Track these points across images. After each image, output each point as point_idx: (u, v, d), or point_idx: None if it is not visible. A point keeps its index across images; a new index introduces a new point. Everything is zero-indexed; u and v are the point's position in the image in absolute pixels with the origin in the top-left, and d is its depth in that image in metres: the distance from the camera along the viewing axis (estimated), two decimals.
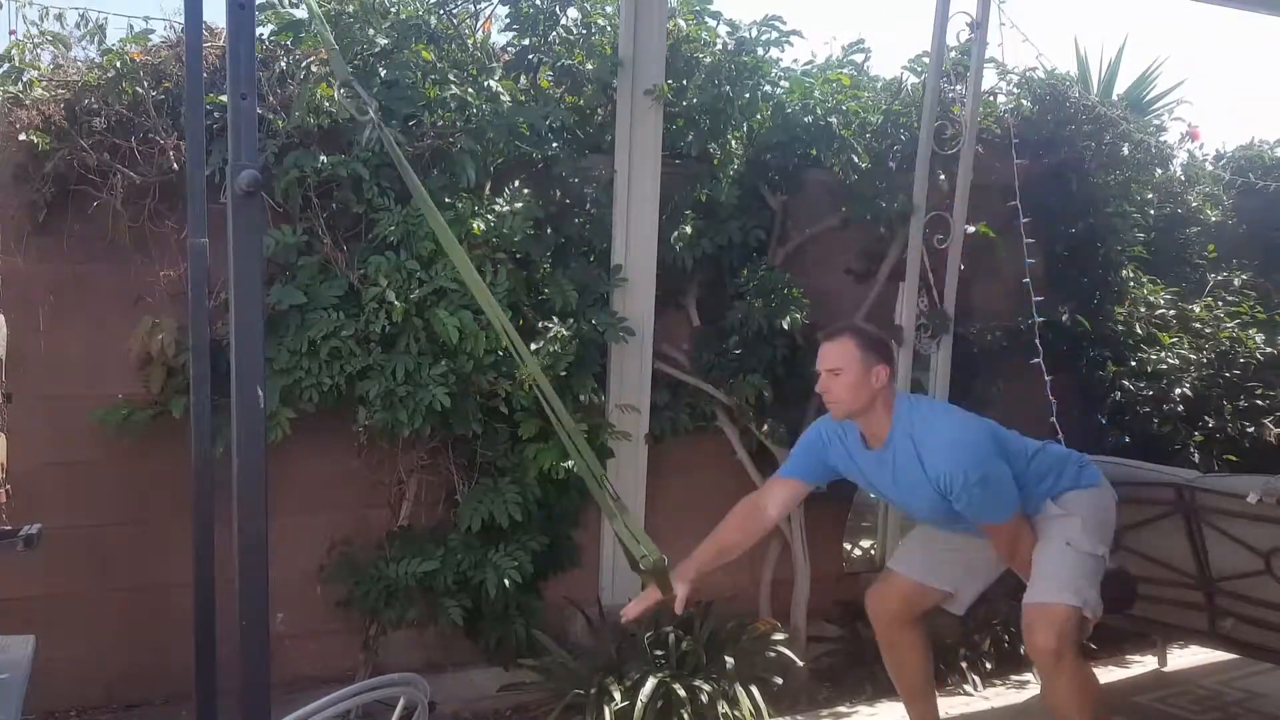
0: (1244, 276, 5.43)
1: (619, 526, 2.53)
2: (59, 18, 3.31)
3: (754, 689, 3.37)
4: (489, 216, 3.40)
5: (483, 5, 4.06)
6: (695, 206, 3.98)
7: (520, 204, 3.49)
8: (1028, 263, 4.38)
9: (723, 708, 3.25)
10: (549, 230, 3.64)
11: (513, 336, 2.46)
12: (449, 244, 2.37)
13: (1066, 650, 2.68)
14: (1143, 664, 4.18)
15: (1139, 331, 4.83)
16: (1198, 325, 5.02)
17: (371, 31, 3.43)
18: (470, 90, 3.56)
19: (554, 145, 3.72)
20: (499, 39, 4.06)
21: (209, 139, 2.90)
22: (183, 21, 2.66)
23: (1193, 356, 4.82)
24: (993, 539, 2.84)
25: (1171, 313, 5.00)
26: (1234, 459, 4.71)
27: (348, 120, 3.27)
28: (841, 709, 3.70)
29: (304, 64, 3.37)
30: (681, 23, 3.99)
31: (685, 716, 3.20)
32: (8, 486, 2.51)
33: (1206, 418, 4.77)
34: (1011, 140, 4.51)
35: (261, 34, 3.44)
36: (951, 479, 2.63)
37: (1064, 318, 4.67)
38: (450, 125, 3.45)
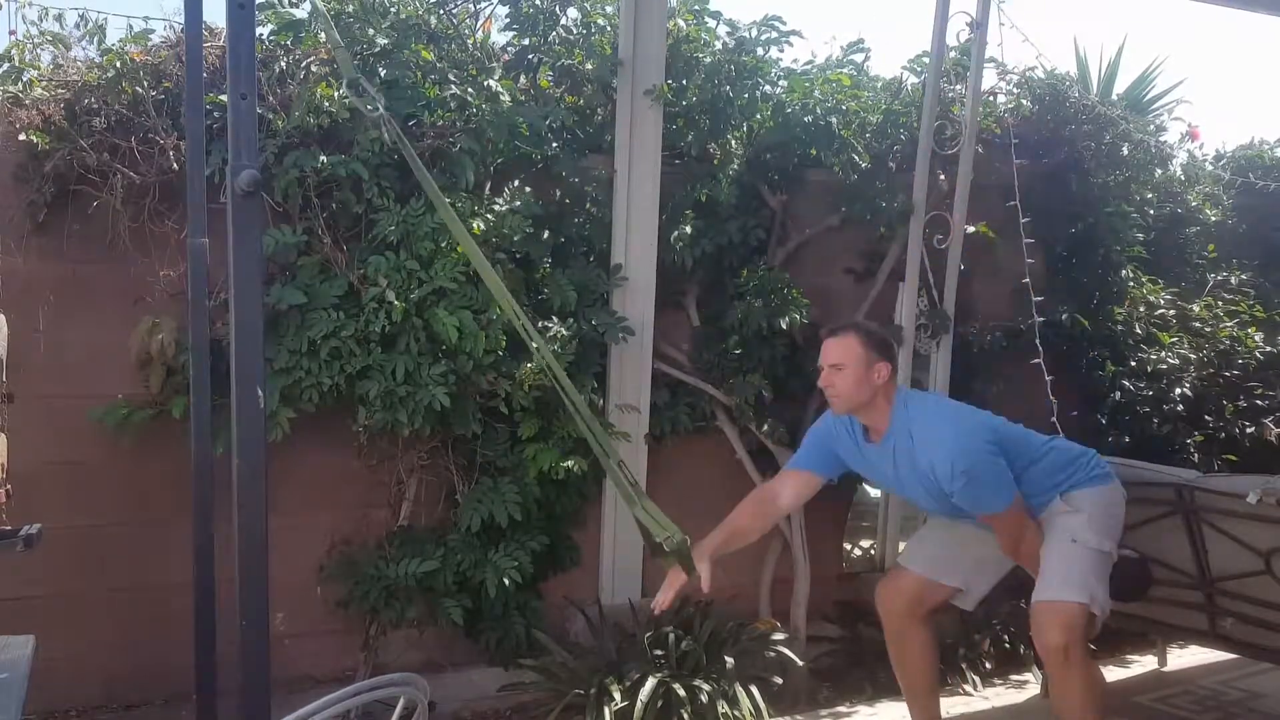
0: (1243, 276, 5.43)
1: (638, 511, 2.55)
2: (59, 18, 3.31)
3: (754, 689, 3.37)
4: (488, 216, 3.40)
5: (483, 5, 4.06)
6: (695, 206, 3.97)
7: (520, 203, 3.49)
8: (1028, 263, 4.39)
9: (723, 708, 3.25)
10: (548, 230, 3.64)
11: (524, 321, 2.51)
12: (460, 234, 2.39)
13: (1074, 647, 2.69)
14: (1143, 664, 4.18)
15: (1139, 331, 4.83)
16: (1197, 325, 5.02)
17: (371, 31, 3.43)
18: (470, 90, 3.56)
19: (554, 145, 3.73)
20: (499, 39, 4.07)
21: (209, 139, 2.90)
22: (183, 21, 2.67)
23: (1192, 356, 4.82)
24: (995, 531, 2.85)
25: (1171, 312, 5.00)
26: (1234, 459, 4.71)
27: (347, 120, 3.27)
28: (841, 709, 3.70)
29: (304, 64, 3.37)
30: (681, 23, 3.99)
31: (685, 716, 3.20)
32: (8, 486, 2.51)
33: (1206, 417, 4.77)
34: (1011, 140, 4.51)
35: (261, 34, 3.44)
36: (938, 470, 2.68)
37: (1064, 318, 4.67)
38: (450, 125, 3.45)
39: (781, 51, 4.15)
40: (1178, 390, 4.66)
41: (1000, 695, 3.85)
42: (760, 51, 4.07)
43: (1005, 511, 2.76)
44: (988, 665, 3.97)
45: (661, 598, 2.80)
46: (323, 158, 3.23)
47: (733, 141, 4.09)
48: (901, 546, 4.42)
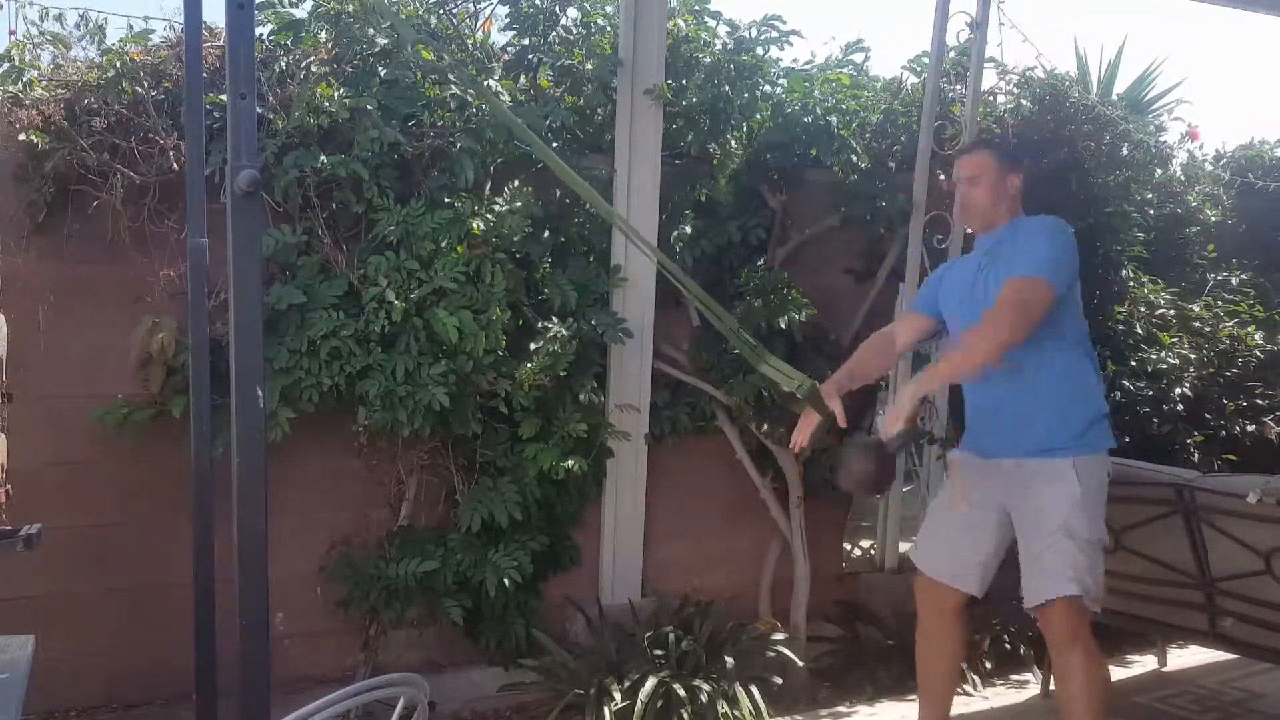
0: (1243, 276, 5.43)
1: (764, 367, 2.63)
2: (59, 18, 3.30)
3: (754, 689, 3.37)
4: (488, 216, 3.41)
5: (483, 5, 4.07)
6: (695, 206, 3.98)
7: (519, 203, 3.49)
8: None
9: (722, 708, 3.25)
10: (548, 230, 3.64)
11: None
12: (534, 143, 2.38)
13: (1080, 636, 2.72)
14: (1143, 664, 4.19)
15: (1139, 331, 4.83)
16: (1197, 325, 5.02)
17: (371, 31, 3.43)
18: (470, 90, 3.56)
19: (554, 145, 3.72)
20: (499, 39, 4.07)
21: (209, 139, 2.90)
22: (183, 21, 2.66)
23: (1193, 356, 4.82)
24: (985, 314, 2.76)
25: (1171, 312, 5.00)
26: (1234, 459, 4.71)
27: (347, 120, 3.27)
28: (841, 709, 3.70)
29: (304, 64, 3.37)
30: (681, 23, 3.99)
31: (685, 716, 3.20)
32: (8, 486, 2.51)
33: (1207, 416, 4.77)
34: (1011, 140, 4.51)
35: (261, 34, 3.45)
36: (1031, 224, 2.83)
37: None
38: (450, 125, 3.46)
39: (781, 51, 4.16)
40: (1178, 390, 4.66)
41: (1000, 695, 3.85)
42: (760, 51, 4.07)
43: (1025, 277, 2.70)
44: (988, 665, 3.97)
45: (798, 438, 2.89)
46: (323, 158, 3.23)
47: (732, 141, 4.08)
48: (902, 547, 4.42)
